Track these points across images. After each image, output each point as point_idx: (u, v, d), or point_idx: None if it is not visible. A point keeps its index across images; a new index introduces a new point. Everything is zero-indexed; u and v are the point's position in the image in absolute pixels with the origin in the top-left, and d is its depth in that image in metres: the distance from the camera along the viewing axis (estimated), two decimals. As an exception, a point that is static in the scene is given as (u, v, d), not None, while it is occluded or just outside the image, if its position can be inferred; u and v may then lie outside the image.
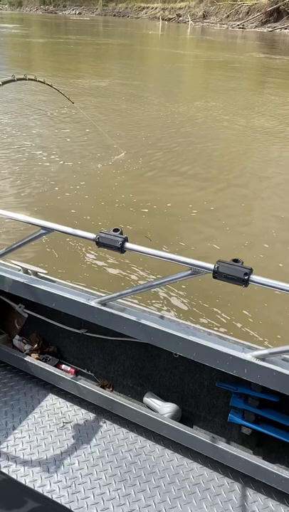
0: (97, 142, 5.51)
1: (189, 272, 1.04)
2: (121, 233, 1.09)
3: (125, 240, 1.08)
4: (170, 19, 45.87)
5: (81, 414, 1.48)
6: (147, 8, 53.12)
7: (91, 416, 1.47)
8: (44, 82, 4.11)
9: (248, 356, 1.10)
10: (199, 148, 5.52)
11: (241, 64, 15.37)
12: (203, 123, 6.55)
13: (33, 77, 3.82)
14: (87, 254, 3.08)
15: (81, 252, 3.10)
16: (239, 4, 38.06)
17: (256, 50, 19.96)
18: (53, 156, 4.94)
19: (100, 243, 1.09)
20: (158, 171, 4.66)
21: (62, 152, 5.10)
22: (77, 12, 54.47)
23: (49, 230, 1.19)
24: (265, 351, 1.09)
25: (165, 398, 1.52)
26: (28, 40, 20.31)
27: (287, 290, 0.92)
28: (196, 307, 2.64)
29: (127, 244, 1.08)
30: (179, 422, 1.38)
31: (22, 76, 3.68)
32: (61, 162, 4.78)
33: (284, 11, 32.48)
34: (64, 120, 6.54)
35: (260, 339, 2.40)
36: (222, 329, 2.43)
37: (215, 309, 2.61)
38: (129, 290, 1.24)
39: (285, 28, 31.14)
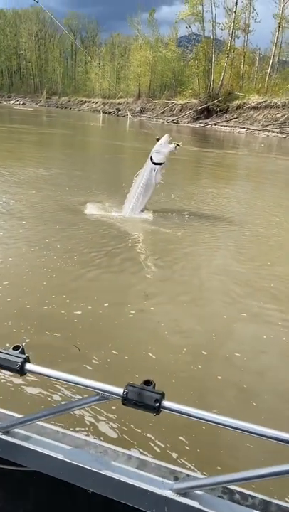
0: (27, 236, 5.31)
1: (97, 397, 0.94)
2: (22, 351, 0.98)
3: (26, 360, 0.97)
4: (110, 112, 49.39)
5: None
6: (89, 101, 57.27)
7: None
8: None
9: (168, 492, 0.95)
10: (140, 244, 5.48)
11: (177, 156, 16.38)
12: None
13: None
14: None
15: None
16: (172, 102, 42.03)
17: (190, 144, 21.54)
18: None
19: None
20: (94, 268, 4.47)
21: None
22: (21, 102, 57.33)
23: None
24: (187, 484, 0.95)
25: None
26: None
27: (200, 418, 0.85)
28: (116, 428, 2.31)
29: (28, 366, 0.97)
30: None
31: None
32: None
33: (213, 110, 36.16)
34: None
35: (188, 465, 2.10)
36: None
37: (134, 425, 2.30)
38: (32, 416, 1.06)
39: (215, 124, 34.38)
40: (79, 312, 3.47)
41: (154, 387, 0.87)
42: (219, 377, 2.84)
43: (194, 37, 44.25)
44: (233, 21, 39.07)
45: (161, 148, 6.32)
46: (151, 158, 6.35)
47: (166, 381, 2.72)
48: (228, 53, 39.33)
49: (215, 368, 2.95)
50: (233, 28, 39.40)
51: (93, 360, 2.89)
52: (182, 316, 3.61)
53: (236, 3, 38.36)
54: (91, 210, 6.65)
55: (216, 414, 0.86)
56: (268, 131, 29.20)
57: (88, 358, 2.90)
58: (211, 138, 27.75)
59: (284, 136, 27.69)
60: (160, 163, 6.30)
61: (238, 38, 41.17)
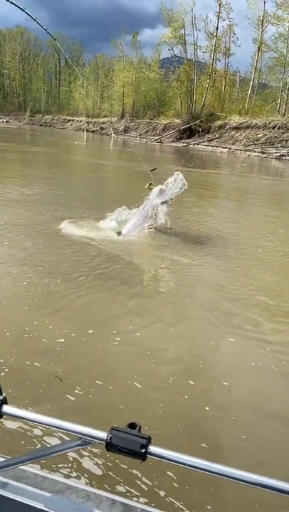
0: (9, 258, 5.17)
1: (79, 442, 0.88)
2: None
3: (3, 402, 0.91)
4: (94, 131, 49.76)
5: None
6: (72, 120, 57.69)
7: None
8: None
9: None
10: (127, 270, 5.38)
11: (162, 176, 16.46)
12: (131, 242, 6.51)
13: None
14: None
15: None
16: (156, 122, 42.63)
17: (174, 163, 21.74)
18: None
19: None
20: (78, 293, 4.34)
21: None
22: (4, 120, 57.38)
23: None
24: None
25: None
26: None
27: (190, 465, 0.80)
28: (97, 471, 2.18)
29: (5, 408, 0.91)
30: None
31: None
32: None
33: (195, 130, 36.71)
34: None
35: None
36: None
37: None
38: (10, 462, 0.96)
39: (198, 144, 34.87)
40: (62, 340, 3.34)
41: (139, 430, 0.82)
42: (207, 408, 2.74)
43: (176, 59, 45.19)
44: (214, 45, 40.12)
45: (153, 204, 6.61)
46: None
47: (151, 413, 2.62)
48: (209, 75, 40.23)
49: (202, 398, 2.85)
50: (215, 51, 40.44)
51: (76, 391, 2.76)
52: (169, 343, 3.49)
53: (217, 28, 39.50)
54: (77, 230, 6.52)
55: (208, 461, 0.80)
56: (250, 151, 29.71)
57: (70, 389, 2.78)
58: (194, 157, 28.06)
59: (265, 156, 28.21)
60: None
61: (219, 61, 42.30)
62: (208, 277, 5.12)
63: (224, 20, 39.33)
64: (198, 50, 41.67)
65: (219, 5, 38.23)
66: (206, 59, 42.31)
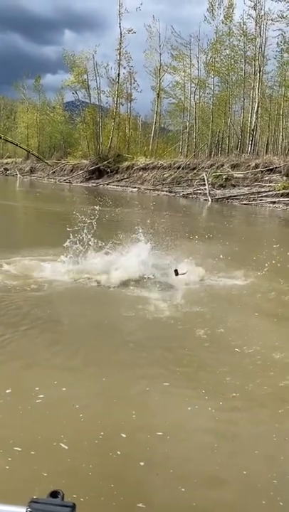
0: None
1: None
2: None
3: None
4: (-3, 172, 48.35)
5: None
6: (-26, 162, 55.57)
7: None
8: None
9: None
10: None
11: (75, 216, 16.14)
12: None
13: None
14: None
15: None
16: (63, 163, 42.75)
17: (86, 203, 21.62)
18: None
19: None
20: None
21: None
22: None
23: None
24: None
25: None
26: None
27: None
28: None
29: None
30: None
31: None
32: None
33: (104, 171, 37.29)
34: None
35: None
36: None
37: None
38: None
39: (108, 184, 35.39)
40: None
41: (62, 498, 0.76)
42: (142, 464, 2.42)
43: (80, 102, 46.16)
44: (117, 90, 41.76)
45: None
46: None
47: (81, 475, 2.25)
48: (114, 118, 41.57)
49: (136, 452, 2.53)
50: (117, 96, 42.04)
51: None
52: (99, 395, 3.14)
53: (118, 75, 41.24)
54: None
55: None
56: (158, 190, 30.77)
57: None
58: (106, 197, 28.22)
59: (173, 194, 29.38)
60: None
61: (122, 105, 43.92)
62: (137, 322, 4.75)
63: (125, 67, 41.35)
64: (101, 94, 43.10)
65: (119, 54, 40.18)
66: (110, 103, 43.84)
